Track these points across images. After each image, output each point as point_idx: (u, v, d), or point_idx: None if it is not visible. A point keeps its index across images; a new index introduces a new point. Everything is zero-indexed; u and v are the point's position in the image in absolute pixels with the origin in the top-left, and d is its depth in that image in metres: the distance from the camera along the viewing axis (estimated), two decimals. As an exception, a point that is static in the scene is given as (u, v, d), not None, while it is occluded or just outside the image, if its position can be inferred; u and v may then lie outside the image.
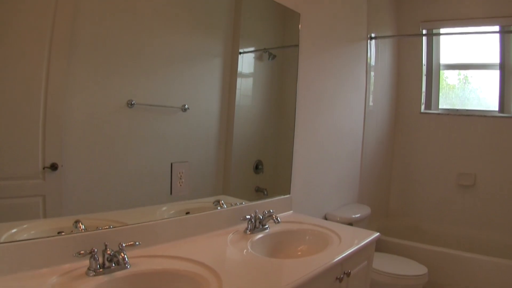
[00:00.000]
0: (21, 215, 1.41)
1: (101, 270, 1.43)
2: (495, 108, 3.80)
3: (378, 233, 2.20)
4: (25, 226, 1.41)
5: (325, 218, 3.05)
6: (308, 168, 2.78)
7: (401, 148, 4.28)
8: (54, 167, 1.46)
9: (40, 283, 1.30)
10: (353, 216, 3.07)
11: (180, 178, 1.90)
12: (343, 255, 1.83)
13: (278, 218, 2.07)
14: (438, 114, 4.07)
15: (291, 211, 2.56)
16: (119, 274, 1.46)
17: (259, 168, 2.32)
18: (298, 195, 2.70)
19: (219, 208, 2.12)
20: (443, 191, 4.07)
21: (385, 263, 3.06)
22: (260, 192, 2.42)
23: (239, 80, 2.20)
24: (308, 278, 1.56)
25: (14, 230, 1.36)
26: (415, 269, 2.98)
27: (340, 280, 1.82)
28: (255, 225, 2.10)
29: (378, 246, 3.70)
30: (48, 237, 1.42)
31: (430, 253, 3.41)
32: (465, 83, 4.06)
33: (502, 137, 3.71)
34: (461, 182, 3.93)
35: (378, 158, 3.94)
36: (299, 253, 2.12)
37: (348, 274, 1.87)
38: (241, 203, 2.24)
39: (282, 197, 2.49)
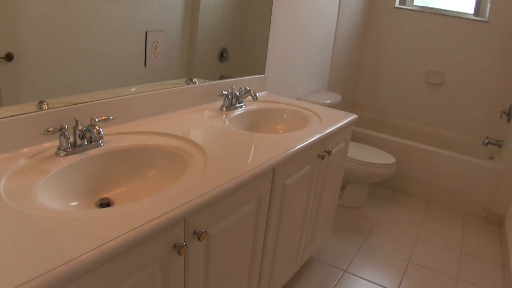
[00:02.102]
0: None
1: (72, 149, 1.32)
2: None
3: (355, 115, 2.20)
4: (-21, 117, 1.24)
5: (296, 103, 3.04)
6: (282, 51, 2.69)
7: (372, 41, 4.24)
8: (9, 57, 1.29)
9: (3, 169, 1.16)
10: (324, 101, 3.06)
11: (155, 49, 1.77)
12: (325, 132, 1.83)
13: (257, 95, 2.01)
14: (412, 10, 3.99)
15: (266, 92, 2.51)
16: (94, 151, 1.35)
17: (224, 56, 2.21)
18: (272, 77, 2.63)
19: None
20: (411, 88, 4.15)
21: (355, 151, 3.14)
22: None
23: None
24: (293, 152, 1.55)
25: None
26: (384, 158, 3.08)
27: (322, 157, 1.82)
28: (232, 102, 2.04)
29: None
30: (7, 117, 1.26)
31: (397, 145, 3.54)
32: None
33: (473, 40, 3.73)
34: (429, 80, 3.98)
35: (349, 49, 3.88)
36: (280, 131, 2.10)
37: (329, 153, 1.89)
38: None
39: (257, 76, 2.41)
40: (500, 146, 3.46)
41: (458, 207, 3.43)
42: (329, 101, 3.11)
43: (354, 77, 4.30)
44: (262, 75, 2.46)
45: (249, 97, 2.23)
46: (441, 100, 4.01)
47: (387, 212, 3.27)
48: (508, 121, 3.36)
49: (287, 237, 1.83)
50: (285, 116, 2.16)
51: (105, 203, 1.29)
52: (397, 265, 2.59)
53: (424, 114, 4.13)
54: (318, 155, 1.81)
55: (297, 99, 3.03)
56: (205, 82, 2.07)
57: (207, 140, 1.56)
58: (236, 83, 2.21)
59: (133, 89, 1.70)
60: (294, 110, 2.17)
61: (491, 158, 3.50)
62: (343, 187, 3.31)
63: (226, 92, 1.99)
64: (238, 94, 2.06)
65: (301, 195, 1.81)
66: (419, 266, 2.61)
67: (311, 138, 1.69)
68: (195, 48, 2.01)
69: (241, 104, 2.08)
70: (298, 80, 3.02)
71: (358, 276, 2.45)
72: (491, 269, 2.66)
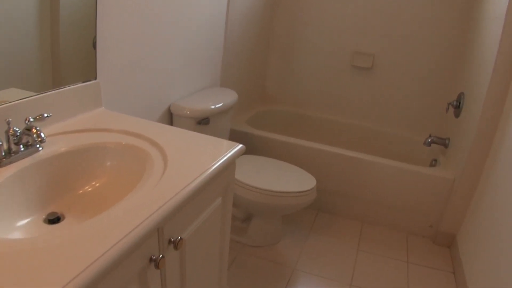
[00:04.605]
0: None
1: None
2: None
3: (240, 145, 1.38)
4: None
5: (170, 113, 2.16)
6: (135, 39, 1.80)
7: (282, 18, 3.38)
8: None
9: None
10: (212, 106, 2.21)
11: None
12: (164, 206, 0.96)
13: (42, 134, 1.11)
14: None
15: (102, 108, 1.62)
16: None
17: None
18: (118, 81, 1.74)
19: None
20: (334, 74, 3.37)
21: (258, 173, 2.33)
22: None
23: None
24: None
25: None
26: (301, 180, 2.32)
27: (157, 263, 0.96)
28: (10, 149, 1.14)
29: (250, 146, 2.96)
30: None
31: (318, 154, 2.75)
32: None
33: (409, 12, 2.99)
34: (356, 63, 3.22)
35: (250, 31, 3.01)
36: (84, 203, 1.20)
37: (177, 245, 1.03)
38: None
39: (80, 85, 1.50)
40: (446, 145, 2.78)
41: (399, 226, 2.74)
42: (220, 104, 2.26)
43: (261, 65, 3.45)
44: (91, 82, 1.56)
45: (58, 129, 1.34)
46: (371, 88, 3.26)
47: (309, 245, 2.51)
48: (457, 116, 2.67)
49: None
50: (108, 163, 1.28)
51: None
52: None
53: (352, 106, 3.37)
54: (151, 259, 0.96)
55: (169, 106, 2.16)
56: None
57: None
58: (29, 107, 1.30)
59: None
60: (128, 146, 1.29)
61: (435, 160, 2.82)
62: (247, 220, 2.50)
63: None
64: (19, 132, 1.16)
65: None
66: None
67: (119, 242, 0.82)
68: (58, 49, 1.41)
69: (36, 147, 1.18)
70: (171, 80, 2.13)
71: None
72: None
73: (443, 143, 2.79)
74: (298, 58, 3.44)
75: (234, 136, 2.92)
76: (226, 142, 1.39)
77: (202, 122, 2.14)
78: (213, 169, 1.19)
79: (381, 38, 3.11)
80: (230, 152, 1.31)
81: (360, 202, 2.78)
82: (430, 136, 2.80)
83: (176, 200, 0.99)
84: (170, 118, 2.18)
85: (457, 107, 2.64)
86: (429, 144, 2.80)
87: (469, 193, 2.44)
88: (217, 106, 2.24)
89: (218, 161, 1.24)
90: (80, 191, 1.22)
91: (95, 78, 1.59)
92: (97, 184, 1.24)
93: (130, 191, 1.07)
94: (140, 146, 1.29)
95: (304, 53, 3.40)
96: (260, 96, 3.59)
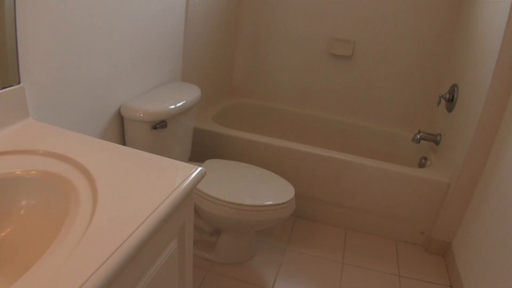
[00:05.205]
0: None
1: None
2: None
3: (200, 169, 1.10)
4: None
5: (121, 116, 1.87)
6: (71, 29, 1.49)
7: (251, 1, 3.11)
8: None
9: None
10: (171, 106, 1.92)
11: None
12: (87, 283, 0.68)
13: None
14: None
15: (29, 119, 1.31)
16: None
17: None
18: (51, 83, 1.44)
19: None
20: (309, 63, 3.11)
21: (226, 182, 2.05)
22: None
23: None
24: None
25: None
26: (277, 190, 2.05)
27: None
28: None
29: (217, 147, 2.67)
30: None
31: (295, 155, 2.49)
32: None
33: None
34: (334, 51, 2.95)
35: (215, 15, 2.71)
36: None
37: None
38: None
39: (-5, 93, 1.21)
40: (437, 142, 2.56)
41: (387, 233, 2.53)
42: (180, 104, 1.98)
43: (229, 54, 3.16)
44: (13, 87, 1.25)
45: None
46: (352, 79, 3.01)
47: (288, 260, 2.26)
48: (449, 110, 2.44)
49: None
50: (24, 202, 0.98)
51: None
52: None
53: (331, 99, 3.11)
54: None
55: (120, 107, 1.86)
56: None
57: None
58: None
59: None
60: (50, 176, 0.99)
61: (425, 158, 2.60)
62: (216, 233, 2.24)
63: None
64: None
65: None
66: None
67: None
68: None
69: None
70: (120, 75, 1.83)
71: None
72: None
73: (434, 139, 2.57)
74: (269, 46, 3.15)
75: (198, 136, 2.62)
76: (182, 166, 1.10)
77: (159, 126, 1.85)
78: (163, 209, 0.90)
79: (362, 23, 2.85)
80: (187, 180, 1.03)
81: (343, 207, 2.54)
82: (419, 132, 2.58)
83: (105, 270, 0.71)
84: (121, 122, 1.88)
85: (450, 100, 2.41)
86: (418, 141, 2.57)
87: (466, 196, 2.23)
88: (176, 105, 1.95)
89: (170, 195, 0.95)
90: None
91: (18, 83, 1.29)
92: (10, 230, 0.95)
93: (51, 242, 0.79)
94: (65, 176, 0.99)
95: (276, 40, 3.11)
96: (227, 89, 3.30)
